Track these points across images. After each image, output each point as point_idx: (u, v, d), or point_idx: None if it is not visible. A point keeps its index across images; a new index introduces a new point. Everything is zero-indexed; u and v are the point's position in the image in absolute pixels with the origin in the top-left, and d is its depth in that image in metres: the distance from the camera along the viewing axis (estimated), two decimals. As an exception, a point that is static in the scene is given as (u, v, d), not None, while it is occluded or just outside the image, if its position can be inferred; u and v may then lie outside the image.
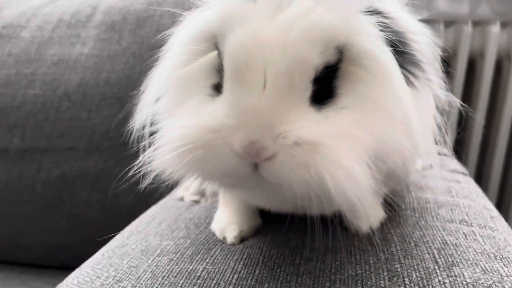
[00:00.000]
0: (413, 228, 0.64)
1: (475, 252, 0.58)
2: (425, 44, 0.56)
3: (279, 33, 0.45)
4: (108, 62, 1.31)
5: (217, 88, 0.52)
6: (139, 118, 0.60)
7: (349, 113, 0.47)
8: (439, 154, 1.00)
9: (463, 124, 0.60)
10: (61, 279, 0.65)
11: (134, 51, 1.31)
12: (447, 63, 0.59)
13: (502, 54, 1.79)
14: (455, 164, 0.96)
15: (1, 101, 1.30)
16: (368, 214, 0.68)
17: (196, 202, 0.87)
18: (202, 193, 0.89)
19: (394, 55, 0.49)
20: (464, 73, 1.80)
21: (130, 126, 0.60)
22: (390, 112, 0.48)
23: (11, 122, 1.28)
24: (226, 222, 0.69)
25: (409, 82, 0.51)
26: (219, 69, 0.52)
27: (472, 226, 0.65)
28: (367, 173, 0.45)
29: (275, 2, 0.47)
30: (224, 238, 0.67)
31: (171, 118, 0.53)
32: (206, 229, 0.71)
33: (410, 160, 0.55)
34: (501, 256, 0.57)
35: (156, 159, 0.50)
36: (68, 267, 1.28)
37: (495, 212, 0.73)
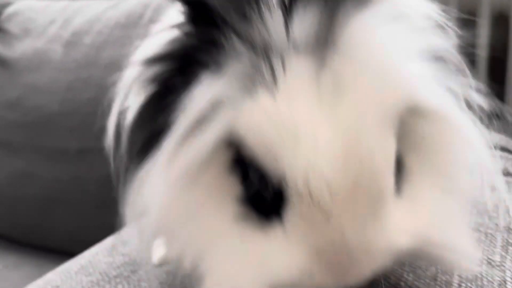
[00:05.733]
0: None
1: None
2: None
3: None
4: (151, 61, 1.31)
5: (251, 205, 0.39)
6: None
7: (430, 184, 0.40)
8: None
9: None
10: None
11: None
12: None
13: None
14: (506, 161, 0.74)
15: (64, 106, 1.40)
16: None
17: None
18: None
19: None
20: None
21: None
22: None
23: (70, 125, 1.37)
24: None
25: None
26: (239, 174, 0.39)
27: None
28: None
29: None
30: None
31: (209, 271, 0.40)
32: None
33: None
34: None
35: None
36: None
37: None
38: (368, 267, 0.36)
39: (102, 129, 1.36)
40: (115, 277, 0.56)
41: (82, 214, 1.33)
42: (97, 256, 0.65)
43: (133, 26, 1.43)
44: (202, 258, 0.39)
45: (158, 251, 0.78)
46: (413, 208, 0.38)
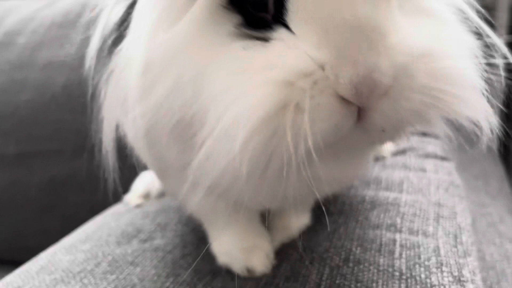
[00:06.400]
0: (324, 240, 0.55)
1: (377, 271, 0.47)
2: None
3: None
4: (91, 61, 1.30)
5: (250, 27, 0.38)
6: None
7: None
8: (420, 134, 0.87)
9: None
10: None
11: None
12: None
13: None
14: (434, 146, 0.82)
15: (-3, 109, 1.34)
16: (286, 226, 0.59)
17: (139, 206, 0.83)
18: (147, 196, 0.85)
19: None
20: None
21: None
22: None
23: (5, 129, 1.31)
24: (242, 248, 0.55)
25: None
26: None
27: (400, 232, 0.55)
28: None
29: None
30: (250, 270, 0.53)
31: (209, 92, 0.37)
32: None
33: None
34: (409, 275, 0.47)
35: (230, 149, 0.35)
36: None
37: (448, 210, 0.60)
38: (385, 55, 0.33)
39: (42, 132, 1.32)
40: (79, 272, 0.57)
41: (22, 220, 1.28)
42: (56, 255, 0.66)
43: (71, 26, 1.40)
44: (202, 84, 0.37)
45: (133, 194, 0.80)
46: (416, 24, 0.37)
